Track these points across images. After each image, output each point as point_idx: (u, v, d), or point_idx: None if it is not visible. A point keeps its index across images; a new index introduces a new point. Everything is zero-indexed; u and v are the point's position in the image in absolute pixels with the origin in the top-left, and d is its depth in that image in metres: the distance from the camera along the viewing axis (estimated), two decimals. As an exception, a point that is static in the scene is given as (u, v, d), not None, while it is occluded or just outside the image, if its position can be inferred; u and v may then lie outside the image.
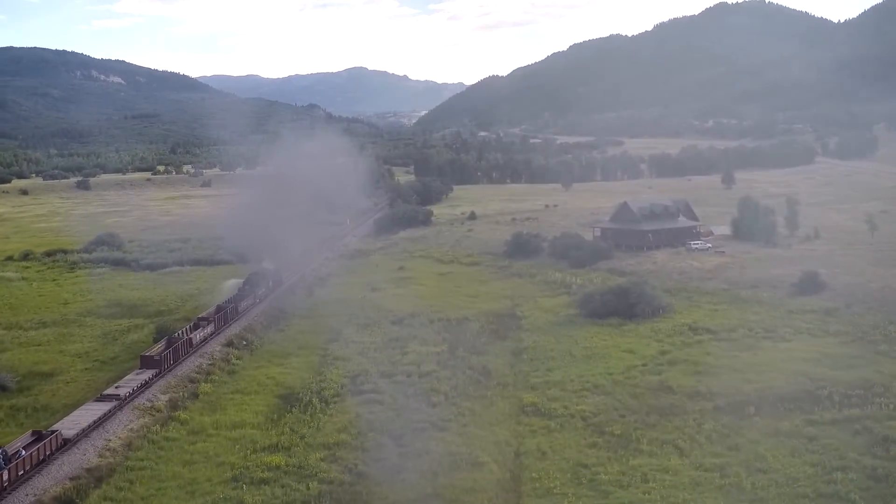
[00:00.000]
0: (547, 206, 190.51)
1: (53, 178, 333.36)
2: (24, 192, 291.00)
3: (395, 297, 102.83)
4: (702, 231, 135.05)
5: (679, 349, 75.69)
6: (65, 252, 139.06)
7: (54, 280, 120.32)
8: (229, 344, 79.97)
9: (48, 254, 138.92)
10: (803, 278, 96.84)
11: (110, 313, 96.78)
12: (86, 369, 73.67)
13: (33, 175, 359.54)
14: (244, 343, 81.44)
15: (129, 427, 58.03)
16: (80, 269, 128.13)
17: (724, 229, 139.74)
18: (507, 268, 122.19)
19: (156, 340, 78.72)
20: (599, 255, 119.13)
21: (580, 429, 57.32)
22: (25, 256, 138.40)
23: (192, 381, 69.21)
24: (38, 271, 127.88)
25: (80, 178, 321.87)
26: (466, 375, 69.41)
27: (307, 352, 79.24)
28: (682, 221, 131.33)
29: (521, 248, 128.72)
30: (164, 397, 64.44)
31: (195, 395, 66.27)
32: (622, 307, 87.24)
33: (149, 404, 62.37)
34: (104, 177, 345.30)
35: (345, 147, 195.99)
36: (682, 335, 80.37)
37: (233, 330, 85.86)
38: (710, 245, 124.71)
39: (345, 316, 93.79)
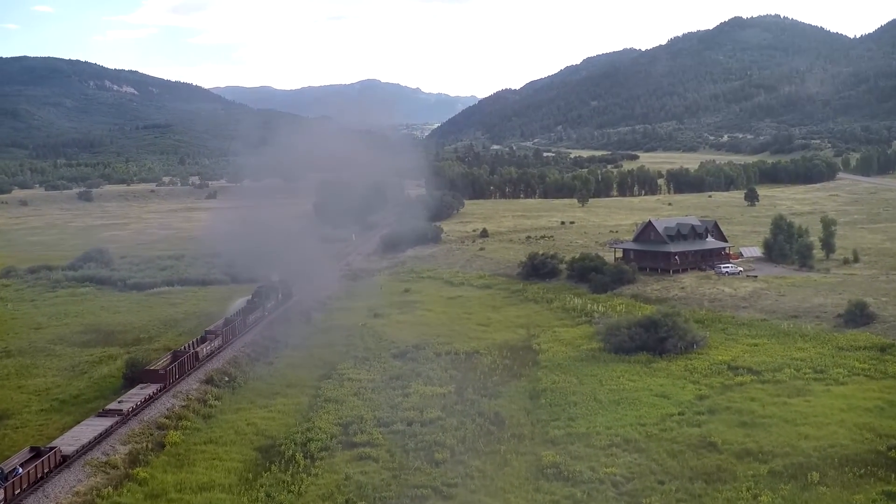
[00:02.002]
0: (563, 222, 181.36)
1: (55, 188, 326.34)
2: (24, 203, 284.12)
3: (398, 325, 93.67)
4: (730, 253, 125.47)
5: (719, 393, 66.18)
6: (49, 269, 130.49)
7: (32, 301, 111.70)
8: (209, 381, 70.84)
9: (32, 270, 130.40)
10: (850, 308, 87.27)
11: (84, 340, 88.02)
12: (42, 411, 64.74)
13: (36, 185, 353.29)
14: (226, 379, 72.34)
15: (76, 489, 48.94)
16: (62, 287, 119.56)
17: (753, 251, 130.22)
18: (521, 292, 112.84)
19: (125, 377, 70.00)
20: (622, 278, 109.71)
21: (612, 500, 47.84)
22: (7, 273, 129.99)
23: (160, 427, 60.07)
24: (18, 290, 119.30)
25: (82, 190, 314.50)
26: (476, 424, 60.05)
27: (296, 391, 70.08)
28: (711, 242, 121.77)
29: (536, 269, 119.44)
30: (124, 449, 55.28)
31: (161, 446, 57.10)
32: (651, 341, 77.76)
33: (104, 458, 53.21)
34: (107, 188, 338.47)
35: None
36: (721, 375, 70.85)
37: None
38: (740, 268, 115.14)
39: (342, 347, 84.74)
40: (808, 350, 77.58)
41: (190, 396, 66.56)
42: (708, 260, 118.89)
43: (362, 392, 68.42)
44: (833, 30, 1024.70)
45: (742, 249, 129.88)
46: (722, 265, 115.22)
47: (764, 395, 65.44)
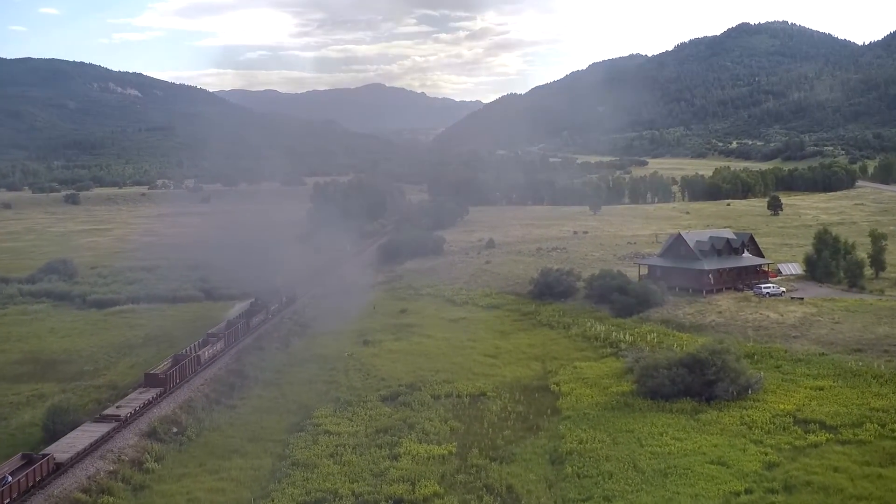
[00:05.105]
0: (575, 232, 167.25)
1: (42, 190, 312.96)
2: (7, 206, 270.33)
3: (390, 357, 79.80)
4: (769, 270, 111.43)
5: (791, 460, 52.26)
6: (5, 282, 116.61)
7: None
8: (151, 434, 56.97)
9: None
10: (927, 342, 73.35)
11: (17, 374, 74.29)
12: (-70, 477, 50.92)
13: (26, 188, 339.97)
14: (174, 431, 58.47)
15: None
16: (14, 304, 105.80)
17: (793, 267, 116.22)
18: (533, 314, 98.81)
19: (44, 428, 56.44)
20: (649, 300, 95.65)
21: None
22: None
23: (74, 504, 46.32)
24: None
25: (69, 192, 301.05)
26: (483, 505, 46.21)
27: (258, 448, 56.18)
28: (747, 259, 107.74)
29: (550, 287, 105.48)
30: (15, 543, 41.73)
31: (68, 536, 43.40)
32: (696, 385, 63.88)
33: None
34: (97, 191, 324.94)
35: None
36: (788, 432, 56.92)
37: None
38: (782, 289, 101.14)
39: (322, 384, 70.99)
40: (888, 397, 63.61)
41: (123, 457, 52.70)
42: (744, 278, 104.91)
43: (340, 452, 54.50)
44: (841, 36, 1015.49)
45: (780, 266, 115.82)
46: (762, 285, 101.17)
47: (848, 462, 51.62)
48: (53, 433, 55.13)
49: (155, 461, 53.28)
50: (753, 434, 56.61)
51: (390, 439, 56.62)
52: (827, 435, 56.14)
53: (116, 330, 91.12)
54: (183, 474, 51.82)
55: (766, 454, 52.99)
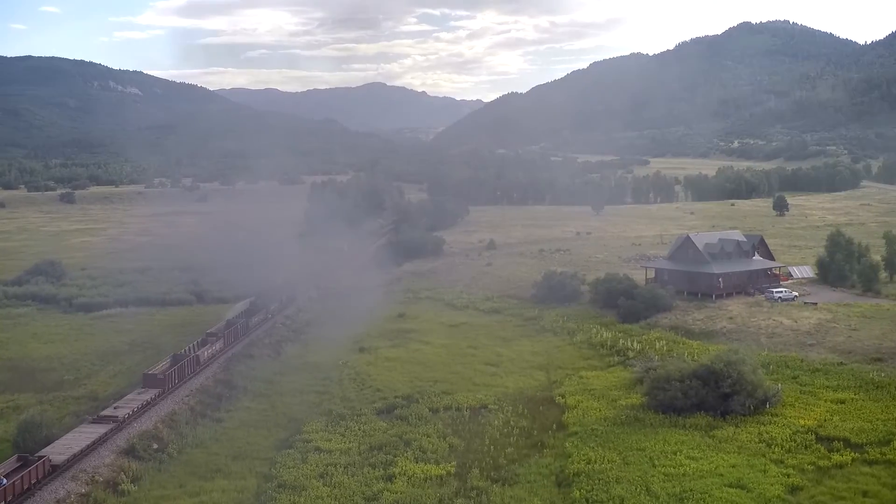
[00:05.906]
0: (578, 233, 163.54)
1: (38, 189, 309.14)
2: (1, 205, 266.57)
3: (387, 365, 76.12)
4: (779, 273, 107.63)
5: (815, 482, 48.57)
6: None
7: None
8: (129, 451, 53.25)
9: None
10: (950, 352, 69.62)
11: (-7, 383, 70.62)
12: None
13: (21, 186, 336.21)
14: (154, 447, 54.75)
15: None
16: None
17: (804, 270, 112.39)
18: (536, 319, 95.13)
19: (15, 445, 52.82)
20: (657, 305, 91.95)
21: None
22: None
23: (39, 531, 42.71)
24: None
25: (64, 191, 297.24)
26: (485, 534, 42.51)
27: (243, 467, 52.43)
28: (758, 262, 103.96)
29: (553, 291, 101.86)
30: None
31: (30, 569, 39.72)
32: (711, 398, 60.13)
33: None
34: (93, 189, 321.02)
35: None
36: (810, 451, 53.20)
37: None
38: (795, 293, 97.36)
39: (314, 396, 67.31)
40: (914, 411, 59.91)
41: (97, 478, 48.99)
42: (755, 282, 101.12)
43: (331, 472, 50.76)
44: (842, 36, 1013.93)
45: (791, 269, 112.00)
46: (774, 289, 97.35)
47: (878, 485, 48.00)
48: (25, 450, 51.37)
49: (131, 482, 49.55)
50: (773, 453, 52.87)
51: (385, 458, 52.89)
52: (852, 454, 52.46)
53: (102, 335, 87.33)
54: (161, 496, 48.10)
55: (789, 476, 49.28)
